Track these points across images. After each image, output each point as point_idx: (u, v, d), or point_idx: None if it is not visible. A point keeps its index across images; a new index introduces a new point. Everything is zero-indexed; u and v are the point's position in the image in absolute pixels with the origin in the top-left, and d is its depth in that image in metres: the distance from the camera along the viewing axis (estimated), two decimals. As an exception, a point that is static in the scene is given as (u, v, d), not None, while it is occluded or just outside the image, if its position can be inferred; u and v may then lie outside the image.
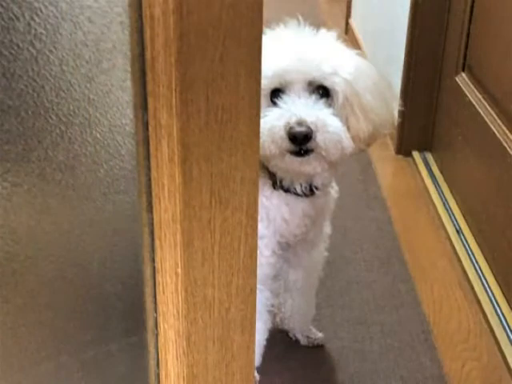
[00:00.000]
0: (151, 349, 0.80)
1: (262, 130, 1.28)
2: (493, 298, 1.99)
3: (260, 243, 1.48)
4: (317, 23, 1.44)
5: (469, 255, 2.17)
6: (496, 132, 2.08)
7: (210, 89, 0.70)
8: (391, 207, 2.47)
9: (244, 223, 0.83)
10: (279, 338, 1.84)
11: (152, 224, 0.73)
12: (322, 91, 1.33)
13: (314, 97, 1.32)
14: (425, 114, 2.65)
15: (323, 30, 1.39)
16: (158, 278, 0.76)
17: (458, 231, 2.29)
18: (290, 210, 1.48)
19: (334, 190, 1.59)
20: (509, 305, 1.94)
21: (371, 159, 2.76)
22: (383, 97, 1.39)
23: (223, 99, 0.72)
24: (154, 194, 0.71)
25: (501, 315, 1.93)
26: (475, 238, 2.22)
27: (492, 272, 2.07)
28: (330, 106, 1.33)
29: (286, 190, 1.45)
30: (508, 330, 1.87)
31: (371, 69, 1.41)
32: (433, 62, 2.59)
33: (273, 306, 1.68)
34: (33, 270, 0.66)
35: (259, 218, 1.46)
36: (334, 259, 2.15)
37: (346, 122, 1.33)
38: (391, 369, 1.78)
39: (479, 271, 2.10)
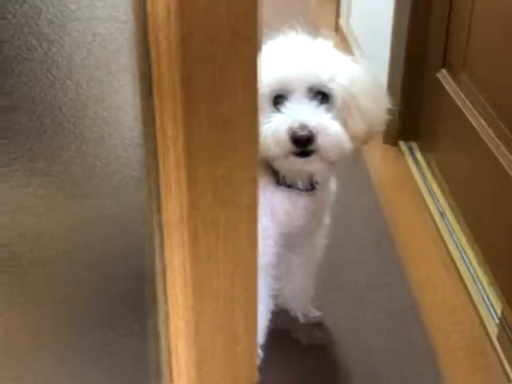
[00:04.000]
0: (163, 337, 0.82)
1: (266, 133, 1.31)
2: (474, 275, 2.00)
3: (264, 234, 1.50)
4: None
5: (452, 236, 2.18)
6: (473, 123, 2.09)
7: (210, 101, 0.71)
8: (380, 193, 2.47)
9: (245, 219, 0.84)
10: (280, 316, 1.85)
11: (161, 224, 0.74)
12: (322, 96, 1.34)
13: (314, 102, 1.32)
14: (410, 107, 2.65)
15: (321, 39, 1.40)
16: (168, 273, 0.78)
17: (441, 214, 2.30)
18: (293, 205, 1.49)
19: (333, 184, 1.60)
20: (488, 280, 1.96)
21: (361, 149, 2.77)
22: (377, 98, 1.40)
23: (223, 110, 0.73)
24: (162, 197, 0.73)
25: (481, 290, 1.94)
26: (457, 220, 2.23)
27: (473, 250, 2.08)
28: (329, 109, 1.34)
29: (289, 186, 1.47)
30: (488, 304, 1.89)
31: (365, 73, 1.42)
32: (416, 58, 2.59)
33: (274, 290, 1.69)
34: (51, 270, 0.67)
35: (264, 212, 1.48)
36: (328, 243, 2.16)
37: (344, 124, 1.34)
38: (384, 343, 1.79)
39: (461, 250, 2.11)
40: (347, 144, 1.34)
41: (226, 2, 0.67)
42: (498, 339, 1.77)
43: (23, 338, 0.72)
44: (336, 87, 1.33)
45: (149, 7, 0.60)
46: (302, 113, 1.30)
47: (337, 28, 4.06)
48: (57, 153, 0.60)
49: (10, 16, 0.52)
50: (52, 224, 0.64)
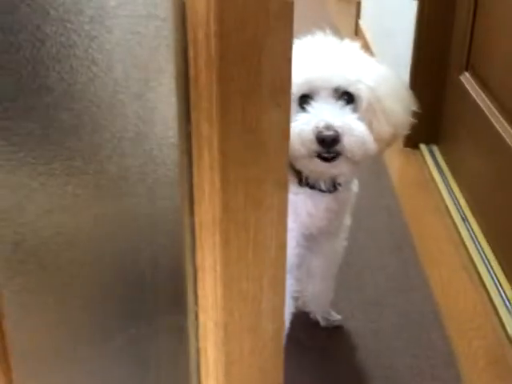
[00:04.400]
0: (192, 338, 0.81)
1: (291, 133, 1.29)
2: (496, 280, 1.98)
3: (287, 235, 1.49)
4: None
5: (473, 241, 2.16)
6: (497, 127, 2.07)
7: (246, 101, 0.70)
8: (401, 196, 2.46)
9: (275, 221, 0.83)
10: (301, 319, 1.84)
11: (193, 226, 0.73)
12: (347, 97, 1.33)
13: (339, 102, 1.32)
14: (431, 110, 2.63)
15: (347, 40, 1.39)
16: (199, 274, 0.77)
17: (463, 219, 2.28)
18: (315, 205, 1.49)
19: (355, 186, 1.59)
20: (511, 286, 1.94)
21: (383, 151, 2.75)
22: (402, 100, 1.39)
23: (258, 110, 0.72)
24: (195, 198, 0.72)
25: (504, 296, 1.92)
26: (479, 225, 2.21)
27: (495, 256, 2.06)
28: (354, 110, 1.33)
29: (311, 187, 1.46)
30: (511, 310, 1.87)
31: (391, 75, 1.41)
32: (439, 61, 2.58)
33: (296, 292, 1.68)
34: (86, 271, 0.67)
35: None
36: (348, 246, 2.14)
37: (369, 125, 1.33)
38: (404, 347, 1.78)
39: (483, 255, 2.09)
40: (372, 145, 1.33)
41: (264, 2, 0.66)
42: (521, 346, 1.76)
43: (55, 336, 0.72)
44: (362, 88, 1.33)
45: (188, 4, 0.60)
46: (328, 113, 1.30)
47: (357, 30, 4.04)
48: (94, 151, 0.59)
49: (52, 11, 0.52)
50: (88, 223, 0.63)
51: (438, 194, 2.45)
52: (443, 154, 2.65)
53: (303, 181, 1.45)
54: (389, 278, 2.03)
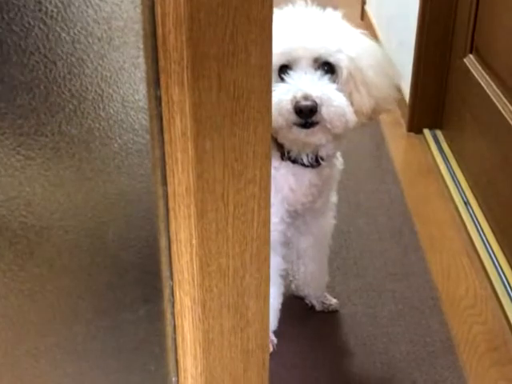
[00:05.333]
0: (168, 315, 0.78)
1: (273, 103, 1.27)
2: (498, 266, 1.95)
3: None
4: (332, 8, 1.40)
5: (476, 226, 2.13)
6: (502, 110, 2.03)
7: (221, 65, 0.67)
8: (403, 181, 2.42)
9: (257, 195, 0.80)
10: (296, 304, 1.82)
11: (166, 196, 0.70)
12: (327, 68, 1.30)
13: (319, 73, 1.29)
14: (435, 94, 2.59)
15: (329, 10, 1.36)
16: (173, 247, 0.74)
17: (465, 203, 2.24)
18: (297, 180, 1.46)
19: (339, 162, 1.56)
20: (513, 272, 1.91)
21: (384, 136, 2.72)
22: (386, 74, 1.36)
23: (234, 75, 0.69)
24: (167, 167, 0.69)
25: (505, 282, 1.89)
26: (482, 210, 2.18)
27: (497, 241, 2.03)
28: (334, 81, 1.31)
29: (294, 161, 1.43)
30: (512, 296, 1.84)
31: (375, 47, 1.38)
32: (442, 44, 2.53)
33: (285, 271, 1.65)
34: (49, 240, 0.63)
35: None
36: (348, 230, 2.12)
37: (349, 97, 1.31)
38: (401, 333, 1.75)
39: (485, 240, 2.05)
40: (352, 117, 1.31)
41: (239, -40, 0.63)
42: (521, 332, 1.72)
43: (30, 319, 0.69)
44: (342, 59, 1.30)
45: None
46: (306, 83, 1.27)
47: (363, 15, 4.00)
48: (50, 112, 0.56)
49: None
50: (45, 189, 0.60)
51: (441, 178, 2.42)
52: (447, 138, 2.61)
53: (285, 155, 1.42)
54: (388, 263, 2.00)
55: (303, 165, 1.44)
